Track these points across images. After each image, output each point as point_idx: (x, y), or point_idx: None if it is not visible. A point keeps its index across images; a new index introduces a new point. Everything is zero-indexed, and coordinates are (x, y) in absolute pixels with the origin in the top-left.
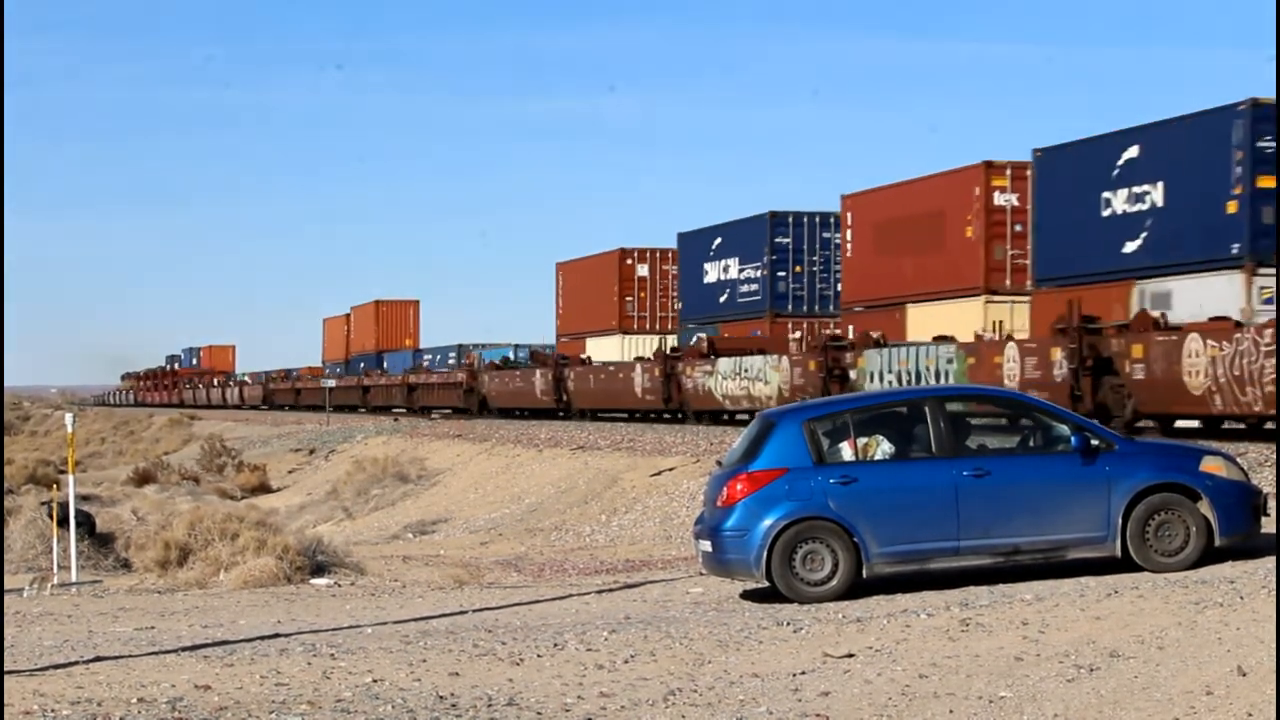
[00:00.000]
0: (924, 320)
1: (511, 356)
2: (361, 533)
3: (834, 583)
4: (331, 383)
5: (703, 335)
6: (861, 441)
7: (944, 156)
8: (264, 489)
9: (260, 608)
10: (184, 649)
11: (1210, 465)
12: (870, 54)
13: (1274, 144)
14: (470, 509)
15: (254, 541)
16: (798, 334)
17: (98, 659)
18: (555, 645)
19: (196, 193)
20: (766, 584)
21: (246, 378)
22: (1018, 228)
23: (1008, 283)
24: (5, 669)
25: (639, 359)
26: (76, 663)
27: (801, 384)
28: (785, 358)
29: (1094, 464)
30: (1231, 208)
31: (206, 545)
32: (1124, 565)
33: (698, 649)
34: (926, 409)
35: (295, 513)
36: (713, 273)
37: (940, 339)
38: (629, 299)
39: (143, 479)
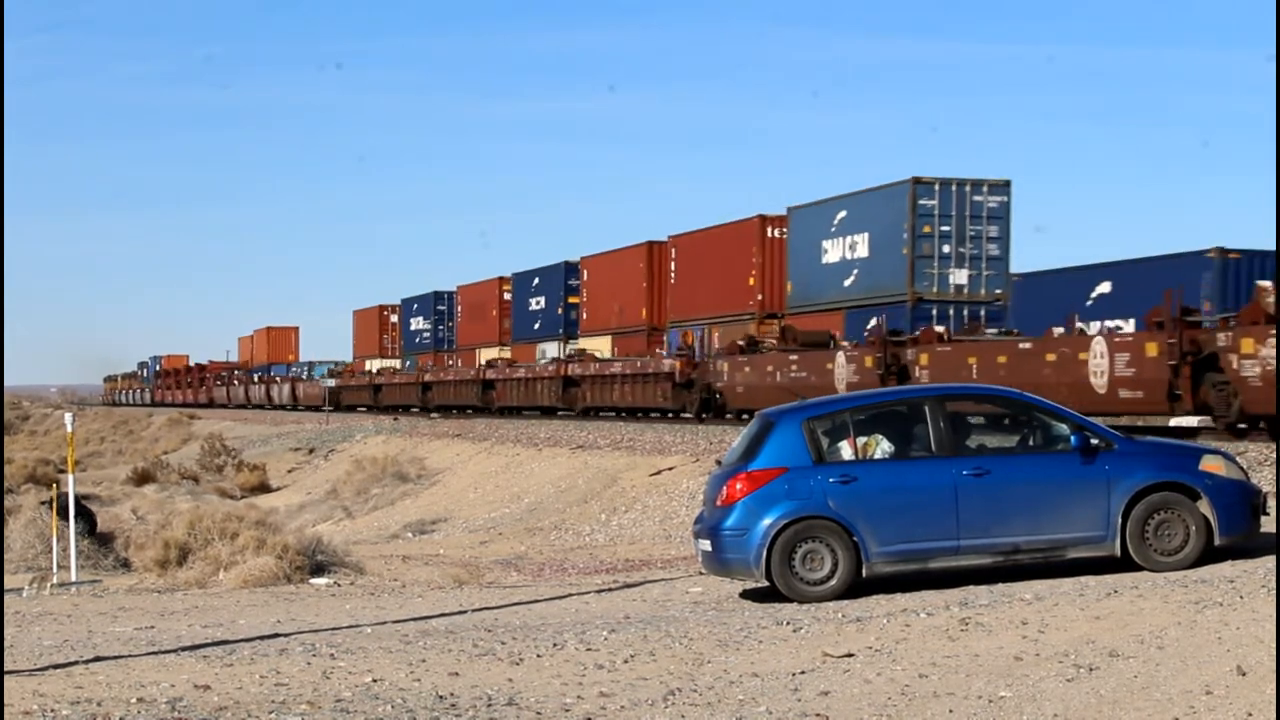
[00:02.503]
0: (487, 355)
1: (326, 373)
2: (361, 532)
3: (833, 582)
4: (330, 382)
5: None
6: (861, 441)
7: (945, 156)
8: (263, 488)
9: (260, 607)
10: (183, 649)
11: (1210, 464)
12: (870, 54)
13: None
14: (470, 508)
15: (253, 541)
16: None
17: (97, 659)
18: (555, 645)
19: (184, 195)
20: (766, 583)
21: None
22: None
23: (511, 338)
24: (5, 669)
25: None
26: (76, 663)
27: None
28: None
29: (1093, 463)
30: (560, 309)
31: (206, 545)
32: (1124, 565)
33: (697, 649)
34: (926, 408)
35: (295, 512)
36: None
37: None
38: (385, 336)
39: (142, 478)
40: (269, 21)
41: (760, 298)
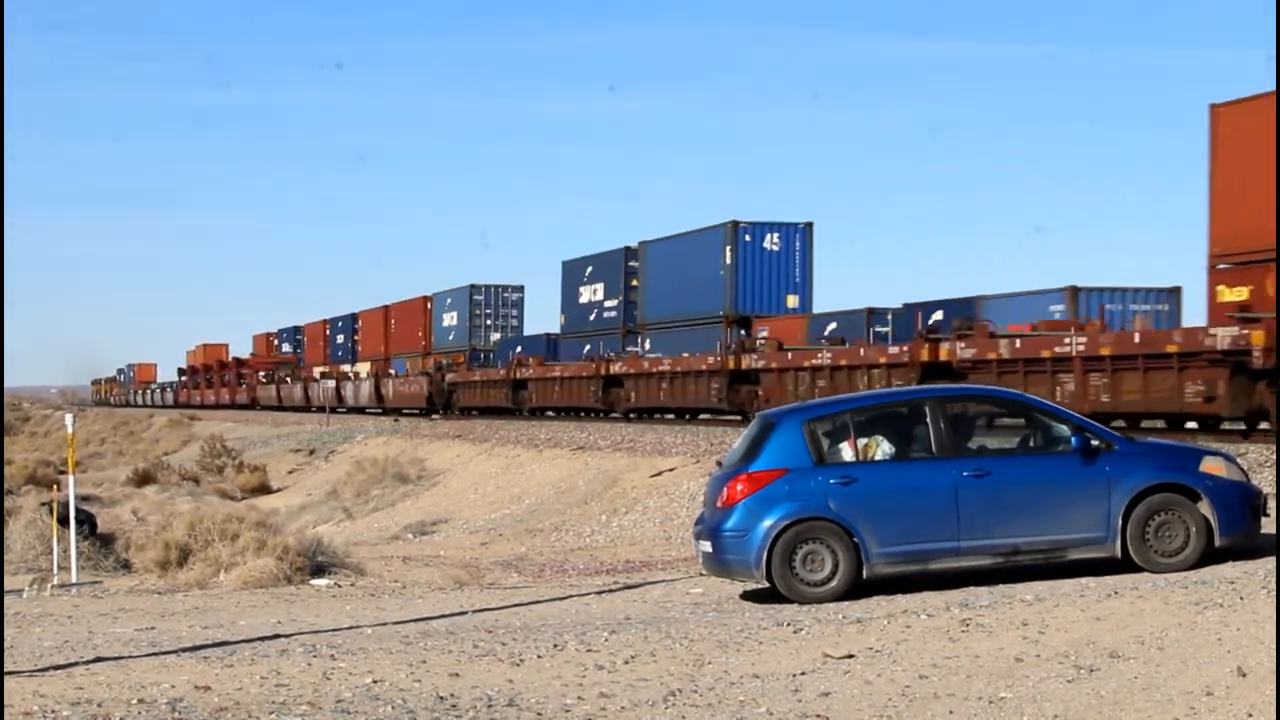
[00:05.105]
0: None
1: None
2: (361, 533)
3: (834, 583)
4: (393, 370)
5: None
6: (862, 442)
7: (941, 157)
8: (264, 489)
9: (260, 608)
10: (184, 650)
11: (1210, 465)
12: (870, 54)
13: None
14: (470, 509)
15: (254, 542)
16: None
17: (98, 660)
18: (555, 646)
19: (167, 198)
20: (766, 584)
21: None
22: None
23: (329, 361)
24: (5, 669)
25: None
26: (76, 663)
27: None
28: None
29: (1094, 464)
30: (350, 344)
31: (206, 546)
32: (1124, 566)
33: (698, 649)
34: (926, 409)
35: (295, 513)
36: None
37: None
38: (270, 354)
39: (143, 479)
40: (269, 22)
41: (424, 344)
